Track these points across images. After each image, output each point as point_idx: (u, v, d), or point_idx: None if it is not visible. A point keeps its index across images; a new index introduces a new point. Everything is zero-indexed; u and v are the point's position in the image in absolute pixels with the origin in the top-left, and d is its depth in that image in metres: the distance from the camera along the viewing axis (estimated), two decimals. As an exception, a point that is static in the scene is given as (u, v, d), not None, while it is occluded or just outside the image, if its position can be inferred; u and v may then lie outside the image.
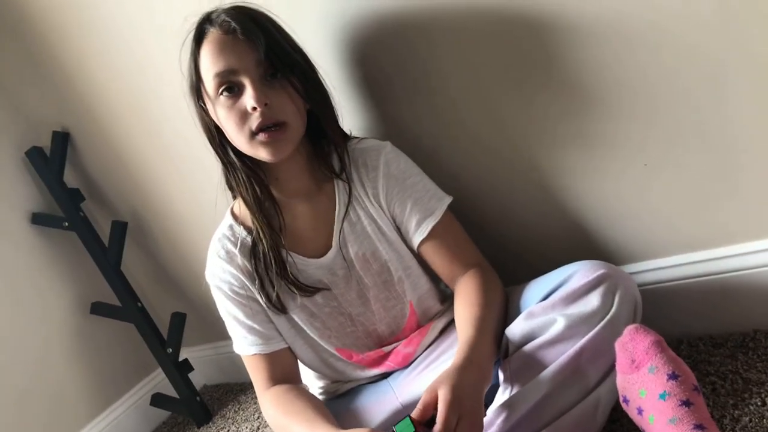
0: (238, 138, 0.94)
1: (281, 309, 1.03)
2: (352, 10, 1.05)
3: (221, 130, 0.97)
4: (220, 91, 0.92)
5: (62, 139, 1.63)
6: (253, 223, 1.01)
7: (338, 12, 1.07)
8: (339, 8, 1.06)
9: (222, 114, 0.94)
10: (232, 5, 0.94)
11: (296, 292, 1.01)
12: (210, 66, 0.92)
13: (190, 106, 1.00)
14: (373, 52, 1.08)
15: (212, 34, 0.92)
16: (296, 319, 1.05)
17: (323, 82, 0.99)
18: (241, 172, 0.99)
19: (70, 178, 1.69)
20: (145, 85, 1.40)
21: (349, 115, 1.15)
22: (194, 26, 0.95)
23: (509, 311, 0.97)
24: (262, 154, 0.94)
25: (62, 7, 1.43)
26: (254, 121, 0.91)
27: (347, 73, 1.12)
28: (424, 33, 1.01)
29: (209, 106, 0.96)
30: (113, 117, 1.52)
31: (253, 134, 0.92)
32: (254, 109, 0.90)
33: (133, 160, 1.56)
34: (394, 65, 1.07)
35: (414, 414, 0.79)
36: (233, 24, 0.90)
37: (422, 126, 1.10)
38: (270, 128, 0.91)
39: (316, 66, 0.98)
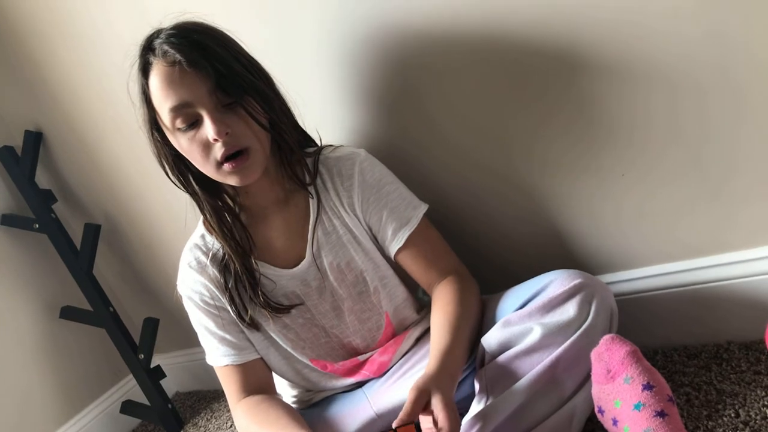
0: (205, 168, 0.92)
1: (254, 326, 1.02)
2: (348, 17, 1.04)
3: (182, 157, 0.95)
4: (178, 124, 0.89)
5: (35, 139, 1.59)
6: (222, 247, 0.99)
7: (333, 19, 1.06)
8: (334, 16, 1.05)
9: (184, 145, 0.91)
10: (173, 27, 0.90)
11: (269, 316, 1.00)
12: (162, 100, 0.89)
13: (145, 138, 0.96)
14: (364, 58, 1.07)
15: (157, 66, 0.88)
16: (269, 330, 1.03)
17: (279, 91, 0.96)
18: (205, 202, 0.98)
19: (42, 179, 1.65)
20: (122, 88, 1.36)
21: (333, 119, 1.14)
22: (137, 56, 0.91)
23: (486, 319, 0.96)
24: (231, 181, 0.93)
25: (41, 10, 1.40)
26: (218, 151, 0.89)
27: (337, 75, 1.11)
28: (418, 42, 1.01)
29: (168, 135, 0.93)
30: (88, 118, 1.49)
31: (219, 164, 0.90)
32: (215, 140, 0.88)
33: (108, 162, 1.53)
34: (385, 71, 1.06)
35: (402, 413, 0.78)
36: (177, 56, 0.86)
37: (406, 134, 1.09)
38: (234, 156, 0.89)
39: (273, 77, 0.96)
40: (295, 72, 1.12)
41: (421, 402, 0.79)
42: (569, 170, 0.99)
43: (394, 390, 0.99)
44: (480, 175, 1.07)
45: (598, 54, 0.89)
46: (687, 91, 0.86)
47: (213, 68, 0.86)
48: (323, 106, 1.13)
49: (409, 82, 1.05)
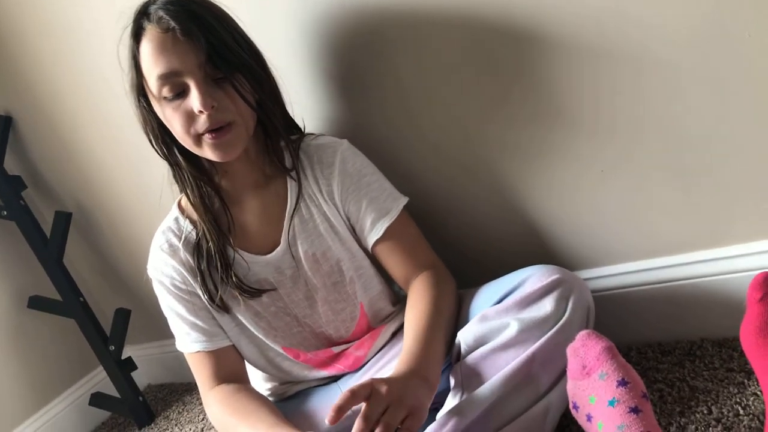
0: (185, 139, 0.91)
1: (224, 308, 1.00)
2: (321, 4, 1.03)
3: (166, 127, 0.93)
4: (164, 92, 0.88)
5: (3, 123, 1.55)
6: (199, 222, 0.98)
7: (306, 5, 1.04)
8: (307, 2, 1.03)
9: (168, 114, 0.90)
10: None
11: (239, 296, 0.98)
12: (151, 67, 0.88)
13: (131, 104, 0.95)
14: (341, 49, 1.05)
15: (150, 31, 0.87)
16: (240, 317, 1.01)
17: (272, 74, 0.96)
18: (188, 172, 0.96)
19: (11, 165, 1.61)
20: (95, 73, 1.34)
21: (311, 110, 1.12)
22: (131, 20, 0.90)
23: (463, 314, 0.96)
24: (210, 155, 0.91)
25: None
26: (201, 124, 0.88)
27: (312, 67, 1.09)
28: (394, 34, 1.00)
29: (154, 103, 0.92)
30: (59, 103, 1.45)
31: (199, 135, 0.89)
32: (201, 112, 0.87)
33: (79, 148, 1.50)
34: (361, 64, 1.05)
35: (339, 397, 0.75)
36: (172, 23, 0.85)
37: (385, 126, 1.08)
38: (217, 129, 0.88)
39: (266, 59, 0.95)
40: (272, 60, 1.10)
41: (359, 396, 0.76)
42: (548, 166, 0.99)
43: (369, 384, 0.98)
44: (458, 170, 1.06)
45: (580, 46, 0.88)
46: (663, 87, 0.86)
47: (206, 40, 0.85)
48: (299, 97, 1.11)
49: (387, 72, 1.03)
